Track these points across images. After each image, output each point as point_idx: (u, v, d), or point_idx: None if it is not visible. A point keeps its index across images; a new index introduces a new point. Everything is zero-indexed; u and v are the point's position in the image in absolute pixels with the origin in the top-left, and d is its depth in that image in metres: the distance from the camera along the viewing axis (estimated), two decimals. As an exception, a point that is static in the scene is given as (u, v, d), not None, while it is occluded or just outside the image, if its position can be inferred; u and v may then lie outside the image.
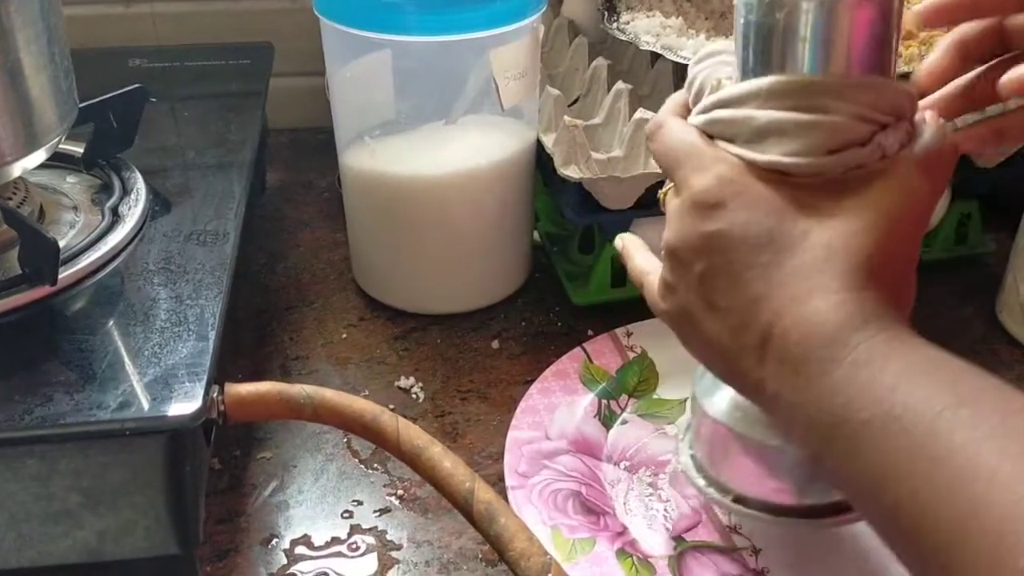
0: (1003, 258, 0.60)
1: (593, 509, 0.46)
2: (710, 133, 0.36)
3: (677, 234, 0.35)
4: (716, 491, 0.42)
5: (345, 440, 0.51)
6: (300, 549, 0.45)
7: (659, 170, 0.55)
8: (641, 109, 0.56)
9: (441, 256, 0.59)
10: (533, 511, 0.45)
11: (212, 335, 0.42)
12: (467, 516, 0.38)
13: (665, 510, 0.46)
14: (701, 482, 0.43)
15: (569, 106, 0.63)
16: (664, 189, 0.38)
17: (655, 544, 0.44)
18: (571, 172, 0.55)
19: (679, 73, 0.63)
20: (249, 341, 0.58)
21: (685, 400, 0.53)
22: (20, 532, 0.38)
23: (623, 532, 0.45)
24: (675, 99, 0.39)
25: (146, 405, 0.38)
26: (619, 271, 0.60)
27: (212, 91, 0.65)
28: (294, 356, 0.57)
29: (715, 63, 0.37)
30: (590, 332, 0.58)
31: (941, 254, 0.64)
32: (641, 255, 0.42)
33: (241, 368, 0.56)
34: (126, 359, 0.40)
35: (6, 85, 0.43)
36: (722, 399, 0.41)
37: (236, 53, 0.69)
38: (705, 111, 0.36)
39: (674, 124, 0.37)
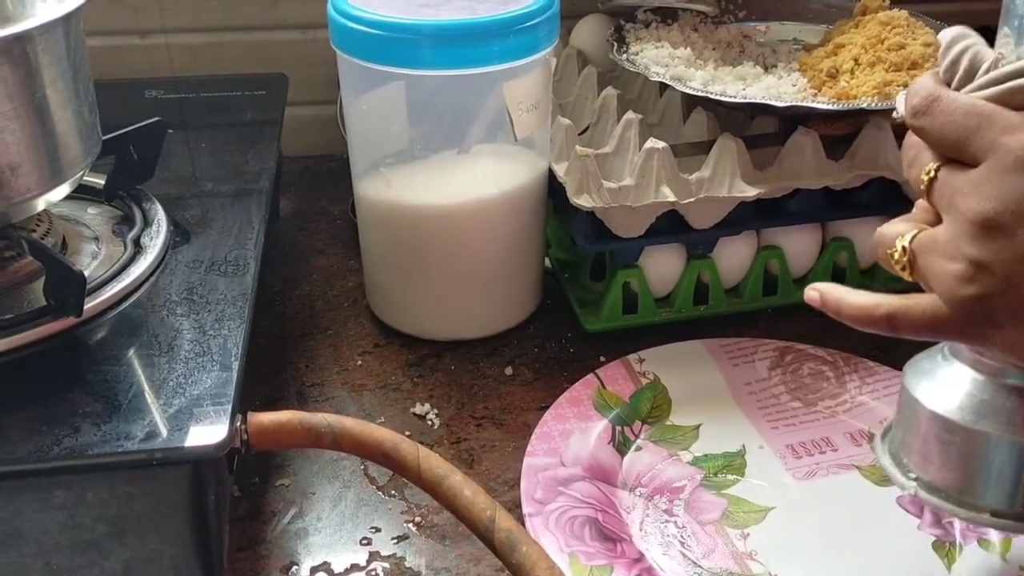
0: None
1: (610, 536, 0.46)
2: (1009, 105, 0.34)
3: (1001, 200, 0.32)
4: (932, 494, 0.39)
5: (362, 467, 0.52)
6: (320, 576, 0.46)
7: (671, 199, 0.56)
8: (652, 139, 0.57)
9: (454, 283, 0.59)
10: (551, 538, 0.46)
11: (236, 365, 0.42)
12: (488, 544, 0.39)
13: (681, 536, 0.47)
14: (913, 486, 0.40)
15: (579, 135, 0.64)
16: (930, 167, 0.35)
17: (672, 571, 0.45)
18: (583, 201, 0.56)
19: (688, 103, 0.64)
20: (265, 368, 0.59)
21: (698, 427, 0.54)
22: (48, 562, 0.39)
23: (640, 559, 0.45)
24: (928, 80, 0.36)
25: (173, 435, 0.38)
26: (630, 297, 0.60)
27: (228, 121, 0.66)
28: (310, 383, 0.58)
29: (973, 43, 0.36)
30: (602, 358, 0.59)
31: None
32: (855, 293, 0.38)
33: (258, 395, 0.56)
34: (151, 390, 0.41)
35: (33, 121, 0.44)
36: (953, 393, 0.39)
37: (251, 84, 0.70)
38: (995, 83, 0.34)
39: (954, 94, 0.35)
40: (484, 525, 0.39)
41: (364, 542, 0.47)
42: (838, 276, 0.63)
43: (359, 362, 0.60)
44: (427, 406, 0.56)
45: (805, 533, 0.47)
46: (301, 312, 0.65)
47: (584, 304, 0.62)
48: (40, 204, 0.46)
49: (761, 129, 0.63)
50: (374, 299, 0.64)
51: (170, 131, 0.56)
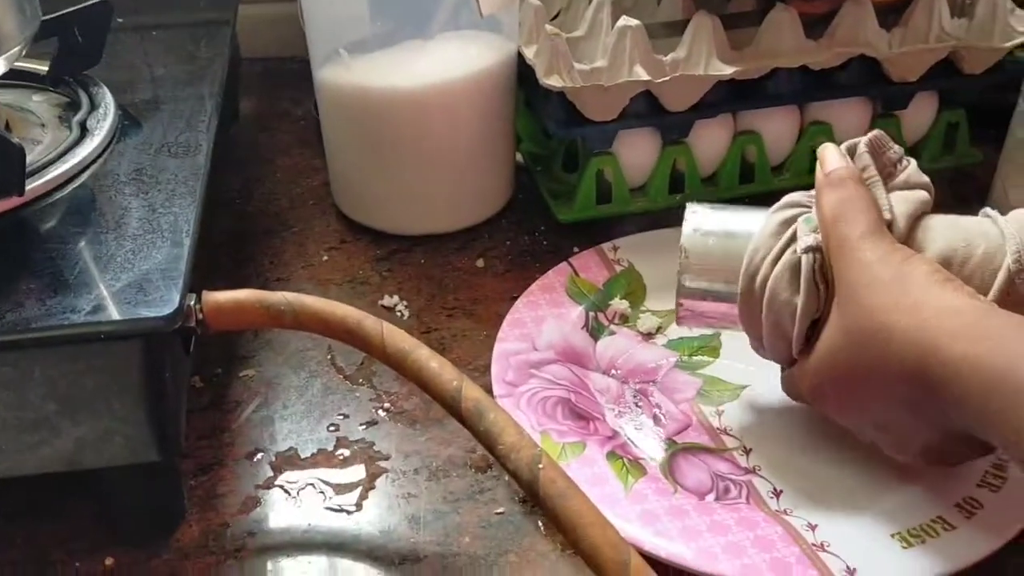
0: (990, 169, 0.59)
1: (583, 415, 0.45)
2: None
3: None
4: None
5: (329, 357, 0.50)
6: (286, 461, 0.44)
7: (644, 78, 0.54)
8: (624, 17, 0.54)
9: (422, 175, 0.57)
10: (522, 417, 0.44)
11: (187, 241, 0.40)
12: (455, 415, 0.38)
13: (655, 415, 0.46)
14: None
15: (551, 21, 0.61)
16: None
17: (646, 447, 0.44)
18: (554, 81, 0.54)
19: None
20: (228, 264, 0.57)
21: (672, 311, 0.52)
22: (-5, 442, 0.37)
23: (613, 436, 0.44)
24: None
25: (120, 309, 0.36)
26: (604, 187, 0.59)
27: (180, 17, 0.63)
28: (274, 278, 0.56)
29: None
30: (575, 249, 0.57)
31: (929, 164, 0.63)
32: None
33: (220, 289, 0.54)
34: (99, 266, 0.39)
35: (-39, -12, 0.41)
36: None
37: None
38: None
39: None
40: (451, 396, 0.37)
41: (331, 428, 0.46)
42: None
43: (325, 258, 0.58)
44: (396, 298, 0.54)
45: (780, 410, 0.46)
46: (265, 210, 0.62)
47: (556, 196, 0.60)
48: (-25, 81, 0.44)
49: (738, 8, 0.60)
50: (340, 196, 0.61)
51: (119, 20, 0.53)
